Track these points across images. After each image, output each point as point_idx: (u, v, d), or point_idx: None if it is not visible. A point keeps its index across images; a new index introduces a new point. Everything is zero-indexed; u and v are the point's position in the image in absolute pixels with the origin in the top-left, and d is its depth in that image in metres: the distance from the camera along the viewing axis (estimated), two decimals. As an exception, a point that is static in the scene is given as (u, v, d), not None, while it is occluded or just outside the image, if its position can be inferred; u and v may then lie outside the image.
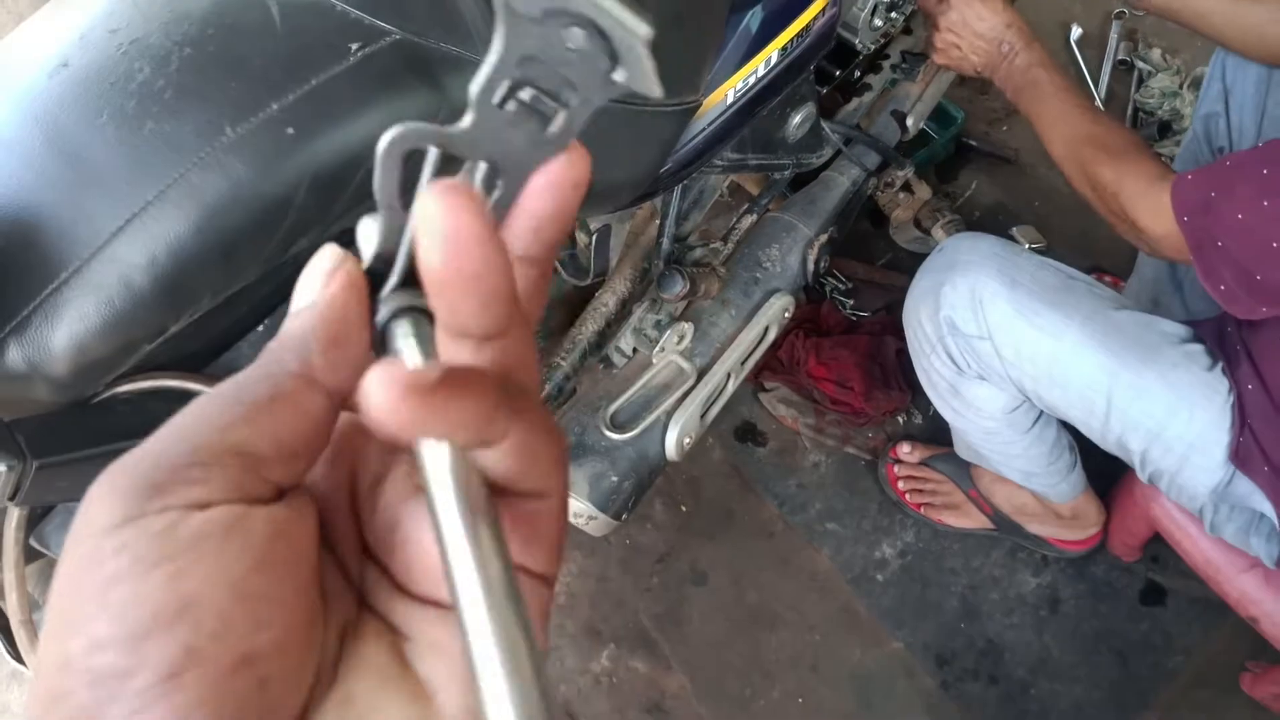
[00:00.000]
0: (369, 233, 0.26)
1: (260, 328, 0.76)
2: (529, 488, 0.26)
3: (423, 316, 0.26)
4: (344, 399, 0.26)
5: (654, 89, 0.23)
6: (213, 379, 0.72)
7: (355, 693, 0.26)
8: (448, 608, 0.27)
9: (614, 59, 0.23)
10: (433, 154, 0.24)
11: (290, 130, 0.61)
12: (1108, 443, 1.18)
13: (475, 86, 0.23)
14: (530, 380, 0.27)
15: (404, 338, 0.25)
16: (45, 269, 0.58)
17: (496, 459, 0.25)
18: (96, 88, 0.60)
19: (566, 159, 0.25)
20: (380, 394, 0.22)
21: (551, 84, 0.24)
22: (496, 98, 0.24)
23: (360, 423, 0.28)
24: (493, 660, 0.22)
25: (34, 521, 0.74)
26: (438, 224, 0.22)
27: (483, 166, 0.25)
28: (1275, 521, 1.09)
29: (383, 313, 0.26)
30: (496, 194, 0.26)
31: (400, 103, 0.65)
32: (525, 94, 0.24)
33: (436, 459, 0.24)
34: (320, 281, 0.26)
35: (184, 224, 0.59)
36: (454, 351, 0.25)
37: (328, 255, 0.26)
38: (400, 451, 0.29)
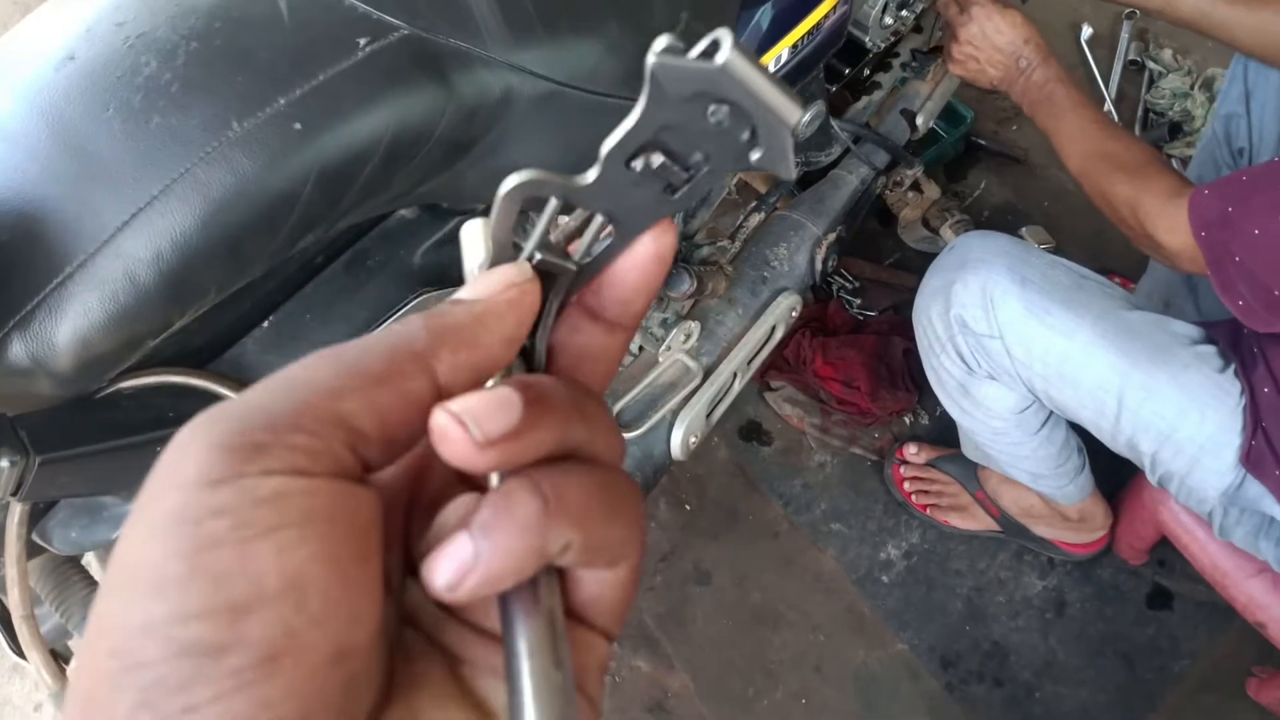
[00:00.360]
0: (471, 264, 0.27)
1: (265, 323, 0.76)
2: (607, 561, 0.26)
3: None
4: (448, 394, 0.25)
5: (790, 173, 0.24)
6: (217, 375, 0.72)
7: (419, 708, 0.24)
8: (500, 638, 0.26)
9: (754, 137, 0.23)
10: (552, 204, 0.25)
11: (297, 125, 0.61)
12: (1118, 444, 1.17)
13: (607, 145, 0.24)
14: (615, 453, 0.27)
15: None
16: (50, 263, 0.58)
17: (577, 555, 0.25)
18: (103, 81, 0.60)
19: (665, 231, 0.27)
20: (450, 444, 0.23)
21: (683, 150, 0.24)
22: (626, 158, 0.24)
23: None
24: None
25: (36, 517, 0.74)
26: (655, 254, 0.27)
27: (598, 219, 0.26)
28: None
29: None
30: (604, 245, 0.27)
31: (408, 99, 0.64)
32: (655, 158, 0.24)
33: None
34: (499, 284, 0.26)
35: (190, 219, 0.59)
36: (581, 327, 0.28)
37: (519, 270, 0.26)
38: (471, 478, 0.28)
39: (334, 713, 0.21)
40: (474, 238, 0.27)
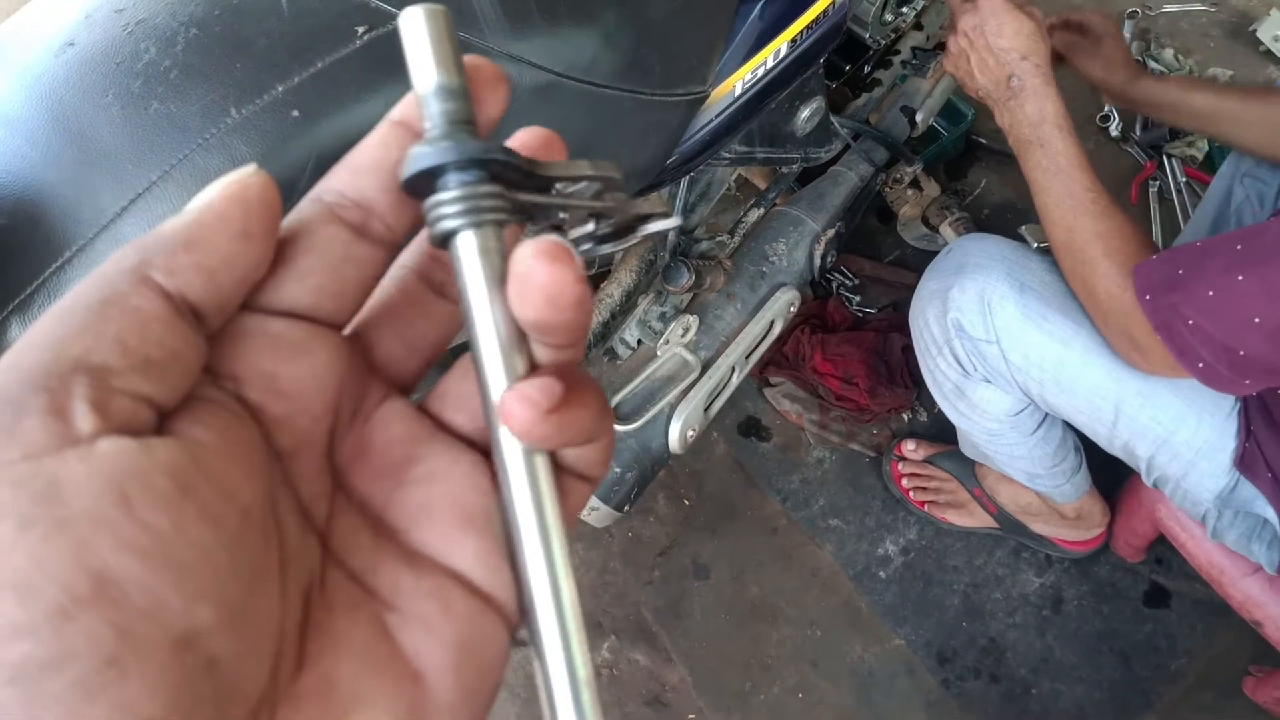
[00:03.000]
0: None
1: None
2: (588, 469, 0.27)
3: (498, 226, 0.25)
4: (188, 305, 0.23)
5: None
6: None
7: (337, 677, 0.23)
8: (450, 571, 0.25)
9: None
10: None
11: (295, 113, 0.61)
12: (1114, 447, 1.17)
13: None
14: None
15: (475, 254, 0.25)
16: (49, 247, 0.58)
17: (580, 454, 0.26)
18: (102, 67, 0.60)
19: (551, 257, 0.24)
20: (522, 414, 0.24)
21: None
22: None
23: (338, 341, 0.26)
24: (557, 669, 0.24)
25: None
26: (540, 285, 0.23)
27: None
28: (1278, 527, 1.09)
29: (450, 218, 0.25)
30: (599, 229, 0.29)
31: (405, 87, 0.64)
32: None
33: (514, 449, 0.25)
34: (219, 186, 0.24)
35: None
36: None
37: (238, 170, 0.24)
38: (387, 380, 0.28)
39: (206, 699, 0.19)
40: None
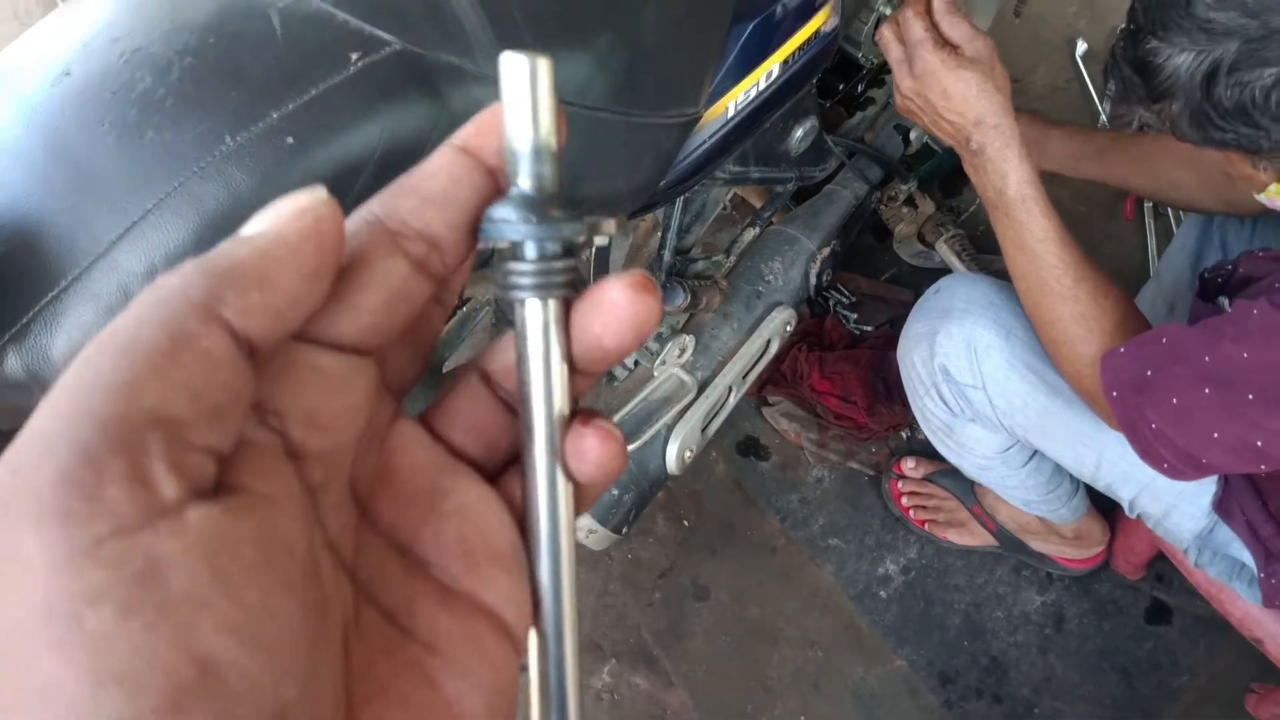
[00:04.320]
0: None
1: (260, 337, 0.76)
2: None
3: (563, 300, 0.26)
4: (249, 343, 0.21)
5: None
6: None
7: None
8: (483, 608, 0.25)
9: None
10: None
11: (290, 139, 0.61)
12: (1097, 486, 1.18)
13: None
14: None
15: (546, 323, 0.26)
16: (45, 276, 0.58)
17: None
18: (98, 96, 0.60)
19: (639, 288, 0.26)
20: (604, 452, 0.26)
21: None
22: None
23: (373, 371, 0.25)
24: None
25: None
26: (633, 316, 0.25)
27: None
28: (1255, 571, 1.09)
29: (527, 288, 0.25)
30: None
31: (400, 113, 0.65)
32: None
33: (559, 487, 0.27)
34: (289, 212, 0.22)
35: (184, 233, 0.59)
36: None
37: (313, 195, 0.23)
38: (393, 391, 0.27)
39: None
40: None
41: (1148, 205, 1.87)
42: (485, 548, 0.26)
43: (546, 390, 0.26)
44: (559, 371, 0.26)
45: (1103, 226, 1.89)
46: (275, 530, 0.20)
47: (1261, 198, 0.94)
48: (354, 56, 0.64)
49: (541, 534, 0.26)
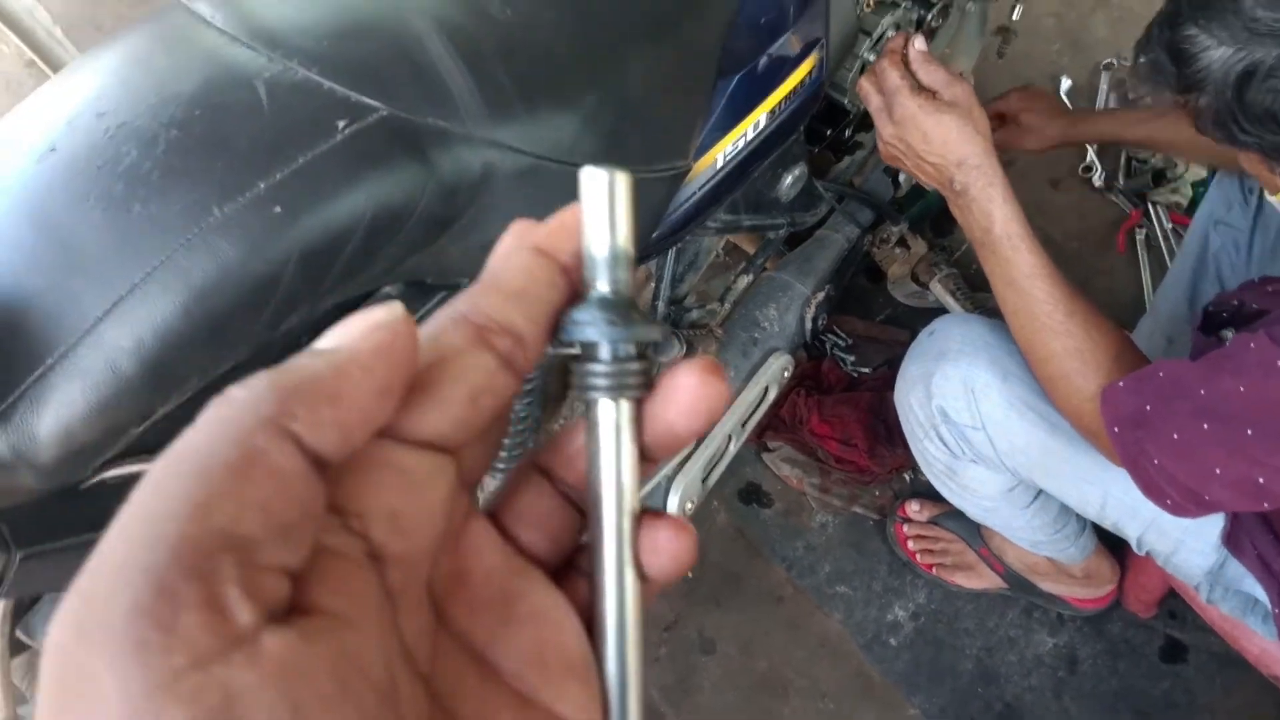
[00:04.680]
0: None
1: (251, 406, 0.75)
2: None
3: (636, 401, 0.27)
4: (320, 459, 0.21)
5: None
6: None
7: None
8: (558, 719, 0.25)
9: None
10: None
11: (278, 209, 0.61)
12: (1104, 524, 1.16)
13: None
14: None
15: (620, 422, 0.27)
16: (31, 355, 0.58)
17: None
18: (84, 172, 0.60)
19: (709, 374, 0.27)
20: (682, 547, 0.27)
21: None
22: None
23: (454, 469, 0.25)
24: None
25: (19, 612, 0.73)
26: (705, 399, 0.26)
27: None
28: (1269, 606, 1.07)
29: (602, 389, 0.26)
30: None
31: (388, 178, 0.65)
32: None
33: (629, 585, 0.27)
34: (364, 328, 0.22)
35: (171, 306, 0.59)
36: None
37: (389, 310, 0.23)
38: (466, 484, 0.27)
39: None
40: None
41: (1140, 237, 1.87)
42: (559, 656, 0.26)
43: (618, 489, 0.26)
44: (630, 471, 0.27)
45: (1094, 261, 1.89)
46: (352, 654, 0.20)
47: (1273, 200, 0.94)
48: (341, 124, 0.64)
49: (609, 636, 0.27)
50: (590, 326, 0.26)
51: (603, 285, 0.26)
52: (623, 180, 0.26)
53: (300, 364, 0.21)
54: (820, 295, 1.36)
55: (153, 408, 0.62)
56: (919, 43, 1.01)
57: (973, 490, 1.26)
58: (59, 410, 0.58)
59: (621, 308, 0.26)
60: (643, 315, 0.27)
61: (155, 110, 0.62)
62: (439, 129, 0.68)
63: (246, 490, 0.19)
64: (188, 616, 0.17)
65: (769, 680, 1.56)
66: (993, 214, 0.97)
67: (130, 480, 0.68)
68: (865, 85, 1.04)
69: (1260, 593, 1.07)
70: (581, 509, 0.28)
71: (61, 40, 1.38)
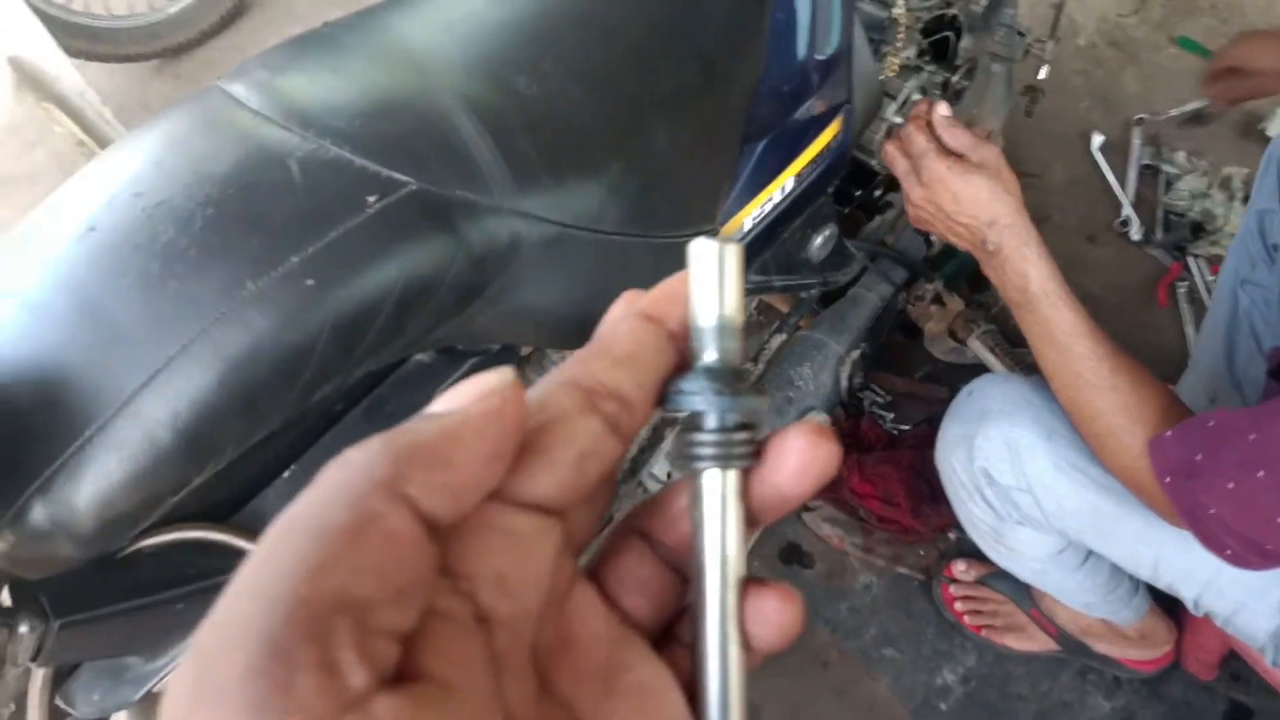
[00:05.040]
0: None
1: (286, 474, 0.76)
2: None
3: (742, 471, 0.27)
4: (433, 526, 0.21)
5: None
6: (239, 529, 0.72)
7: None
8: None
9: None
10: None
11: (310, 281, 0.62)
12: (1158, 585, 1.12)
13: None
14: None
15: (726, 493, 0.26)
16: (70, 428, 0.59)
17: None
18: (122, 250, 0.62)
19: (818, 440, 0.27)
20: (793, 616, 0.26)
21: None
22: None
23: (560, 531, 0.25)
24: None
25: (58, 680, 0.74)
26: (819, 461, 0.26)
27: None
28: None
29: (708, 459, 0.26)
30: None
31: (417, 250, 0.66)
32: None
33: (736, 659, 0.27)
34: (476, 394, 0.23)
35: (206, 378, 0.60)
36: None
37: (500, 376, 0.23)
38: (572, 549, 0.27)
39: None
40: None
41: (1181, 290, 1.84)
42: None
43: (723, 561, 0.26)
44: (736, 541, 0.26)
45: (1136, 316, 1.86)
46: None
47: None
48: (371, 199, 0.65)
49: (713, 709, 0.26)
50: (698, 396, 0.26)
51: (709, 355, 0.26)
52: (732, 252, 0.27)
53: (414, 428, 0.22)
54: (855, 353, 1.35)
55: (189, 477, 0.63)
56: (943, 107, 1.02)
57: (1020, 553, 1.23)
58: (97, 481, 0.59)
59: (728, 378, 0.26)
60: (750, 385, 0.27)
61: (191, 189, 0.64)
62: (467, 201, 0.69)
63: (361, 553, 0.19)
64: (303, 678, 0.17)
65: (815, 749, 1.52)
66: (1028, 273, 0.96)
67: (168, 548, 0.69)
68: (890, 150, 1.04)
69: None
70: (683, 573, 0.28)
71: (111, 120, 1.43)
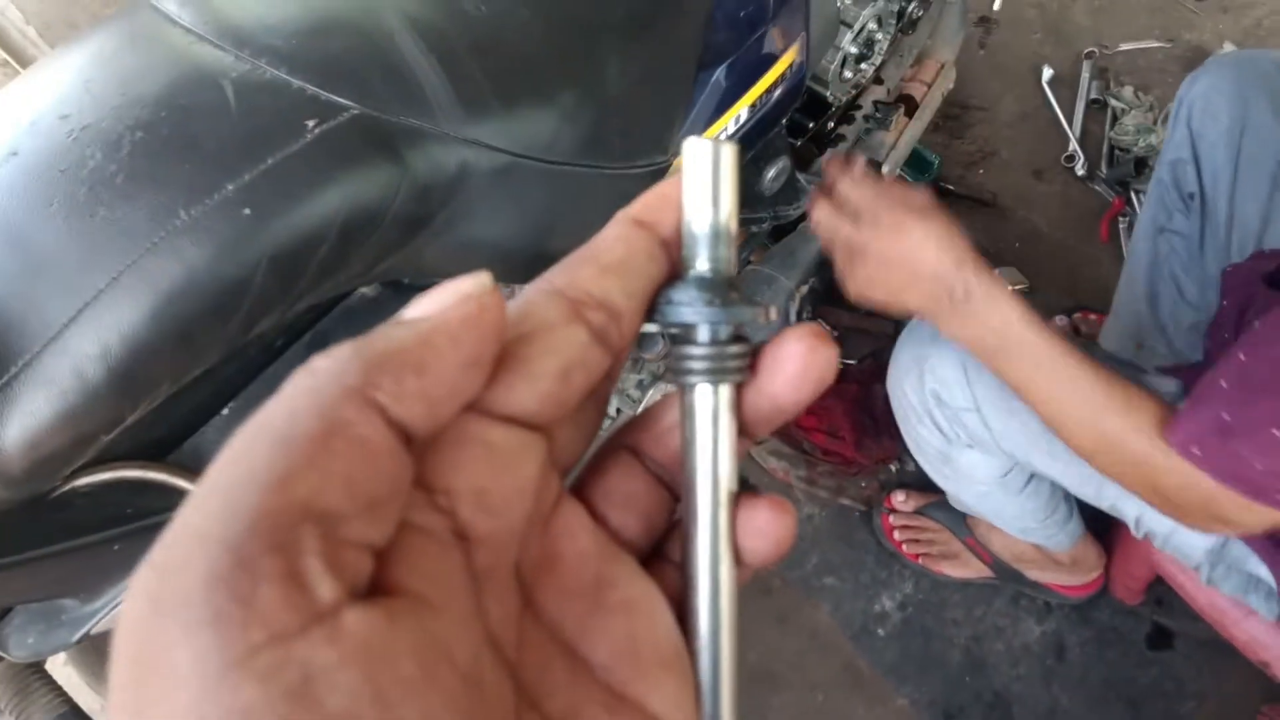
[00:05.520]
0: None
1: (226, 410, 0.74)
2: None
3: (734, 385, 0.26)
4: (406, 431, 0.20)
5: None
6: (176, 467, 0.70)
7: None
8: (651, 716, 0.24)
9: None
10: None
11: (247, 211, 0.60)
12: (1101, 505, 1.16)
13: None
14: None
15: (718, 408, 0.26)
16: (-6, 363, 0.56)
17: None
18: (46, 176, 0.59)
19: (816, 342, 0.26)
20: (785, 528, 0.25)
21: None
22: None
23: (543, 446, 0.24)
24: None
25: (-9, 624, 0.72)
26: (816, 366, 0.25)
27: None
28: (1273, 585, 1.07)
29: (700, 373, 0.25)
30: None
31: (360, 178, 0.63)
32: None
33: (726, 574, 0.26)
34: (451, 298, 0.21)
35: (138, 311, 0.57)
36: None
37: (476, 281, 0.22)
38: (559, 469, 0.26)
39: None
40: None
41: (1123, 226, 1.87)
42: (652, 649, 0.24)
43: (714, 478, 0.25)
44: (729, 457, 0.26)
45: (1079, 250, 1.89)
46: (437, 637, 0.19)
47: None
48: (311, 124, 0.62)
49: (703, 629, 0.25)
50: (688, 308, 0.25)
51: (702, 264, 0.25)
52: (728, 152, 0.25)
53: (386, 333, 0.21)
54: (804, 288, 1.35)
55: (122, 415, 0.60)
56: (858, 167, 0.91)
57: (967, 476, 1.25)
58: (25, 420, 0.57)
59: (721, 288, 0.25)
60: (744, 296, 0.25)
61: (119, 112, 0.60)
62: (412, 127, 0.66)
63: (330, 462, 0.18)
64: (267, 590, 0.17)
65: (758, 673, 1.56)
66: (1007, 310, 0.87)
67: (102, 488, 0.66)
68: (822, 219, 0.93)
69: (1264, 572, 1.07)
70: (673, 489, 0.28)
71: (35, 40, 1.35)
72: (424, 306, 0.21)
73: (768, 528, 0.26)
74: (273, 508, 0.17)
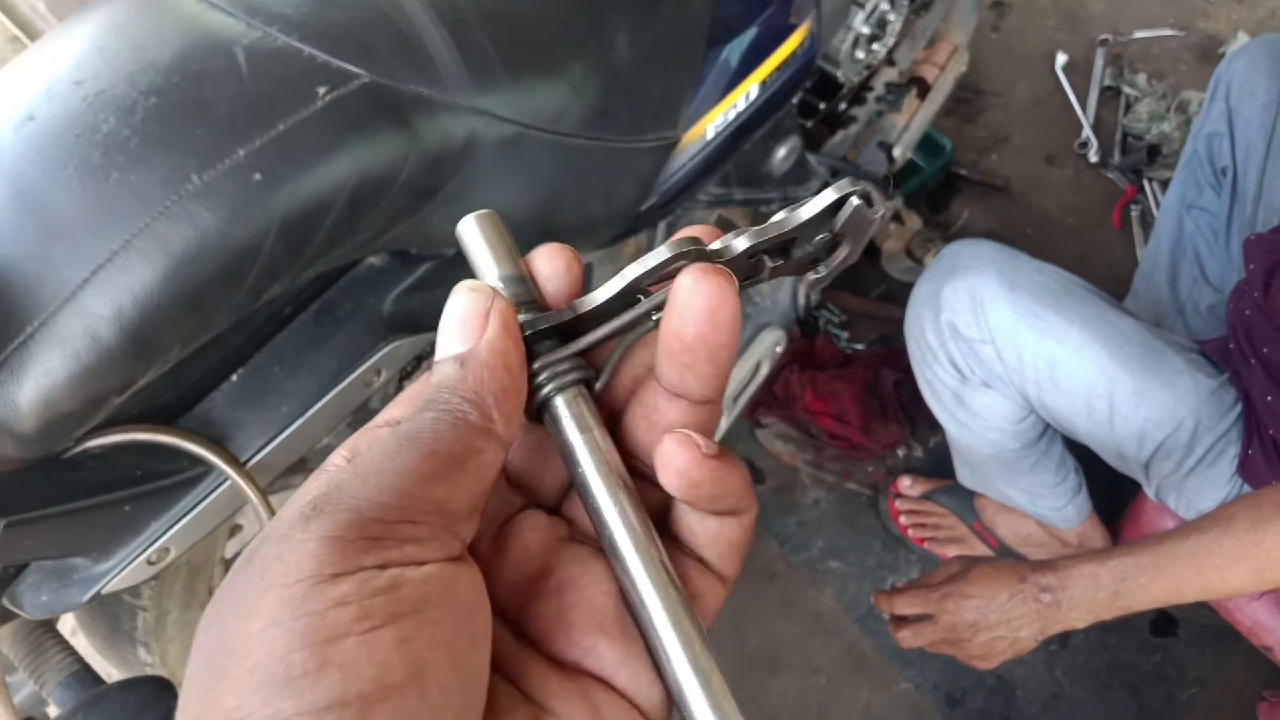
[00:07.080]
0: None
1: (234, 377, 0.75)
2: (724, 564, 0.30)
3: (582, 386, 0.29)
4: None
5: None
6: (186, 431, 0.71)
7: None
8: (595, 675, 0.27)
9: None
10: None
11: (257, 176, 0.60)
12: (1110, 453, 1.16)
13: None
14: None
15: (568, 412, 0.28)
16: (10, 324, 0.57)
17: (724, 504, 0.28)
18: (62, 140, 0.59)
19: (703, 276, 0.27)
20: (683, 458, 0.26)
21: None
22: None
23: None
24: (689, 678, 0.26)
25: (4, 582, 0.73)
26: (700, 301, 0.26)
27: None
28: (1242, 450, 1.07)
29: (548, 384, 0.28)
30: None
31: (370, 145, 0.64)
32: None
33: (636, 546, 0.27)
34: (476, 324, 0.26)
35: (151, 274, 0.58)
36: (664, 409, 0.28)
37: (477, 295, 0.27)
38: (513, 494, 0.31)
39: None
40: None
41: (1134, 213, 1.87)
42: (586, 618, 0.27)
43: (601, 464, 0.28)
44: (606, 443, 0.28)
45: (1091, 236, 1.89)
46: (483, 589, 0.25)
47: None
48: (321, 90, 0.63)
49: (644, 596, 0.27)
50: (546, 362, 0.29)
51: (526, 302, 0.30)
52: (488, 217, 0.31)
53: (465, 369, 0.26)
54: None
55: (134, 377, 0.61)
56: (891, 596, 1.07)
57: (982, 419, 1.25)
58: (39, 379, 0.58)
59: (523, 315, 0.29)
60: (543, 314, 0.29)
61: (133, 78, 0.61)
62: (422, 96, 0.67)
63: (461, 478, 0.25)
64: (388, 544, 0.23)
65: (760, 657, 1.57)
66: (1098, 575, 0.94)
67: (113, 449, 0.67)
68: (908, 637, 1.07)
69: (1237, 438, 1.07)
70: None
71: (45, 14, 1.36)
72: (461, 336, 0.26)
73: (674, 460, 0.26)
74: (415, 496, 0.23)
